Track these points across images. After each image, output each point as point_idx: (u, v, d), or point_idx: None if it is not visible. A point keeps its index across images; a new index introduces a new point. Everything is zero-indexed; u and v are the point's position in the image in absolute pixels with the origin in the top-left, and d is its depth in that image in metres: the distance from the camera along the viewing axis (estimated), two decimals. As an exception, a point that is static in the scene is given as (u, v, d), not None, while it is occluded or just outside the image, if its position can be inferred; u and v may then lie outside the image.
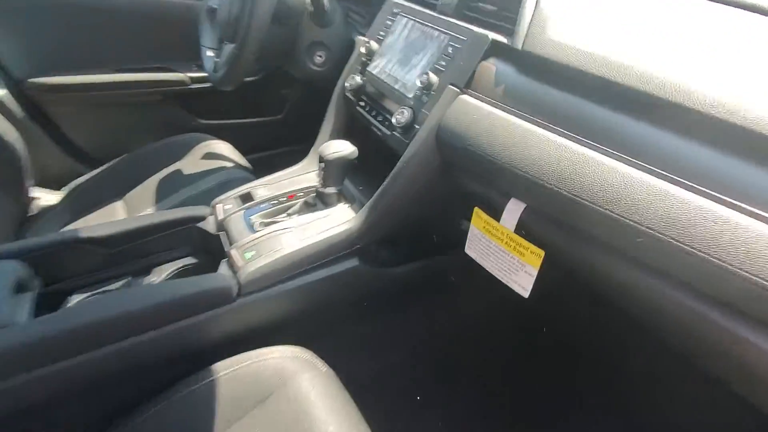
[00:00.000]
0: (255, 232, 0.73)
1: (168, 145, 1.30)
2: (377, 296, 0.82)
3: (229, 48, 0.95)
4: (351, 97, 0.85)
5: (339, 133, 0.91)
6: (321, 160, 0.74)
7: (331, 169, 0.75)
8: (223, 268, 0.70)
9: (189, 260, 0.81)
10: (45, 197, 1.27)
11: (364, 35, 0.89)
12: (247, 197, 0.82)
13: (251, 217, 0.77)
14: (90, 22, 1.24)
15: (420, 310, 0.92)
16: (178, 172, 1.21)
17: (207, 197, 1.04)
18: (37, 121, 1.26)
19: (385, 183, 0.70)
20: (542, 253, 0.55)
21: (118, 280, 0.77)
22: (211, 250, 0.79)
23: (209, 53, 1.07)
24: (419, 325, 0.94)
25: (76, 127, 1.34)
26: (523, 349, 1.02)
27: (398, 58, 0.75)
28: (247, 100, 1.56)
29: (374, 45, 0.81)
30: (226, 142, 1.33)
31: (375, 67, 0.80)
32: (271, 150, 1.64)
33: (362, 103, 0.82)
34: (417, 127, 0.67)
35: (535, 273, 0.56)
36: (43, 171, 1.29)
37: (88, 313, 0.56)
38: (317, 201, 0.79)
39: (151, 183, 1.18)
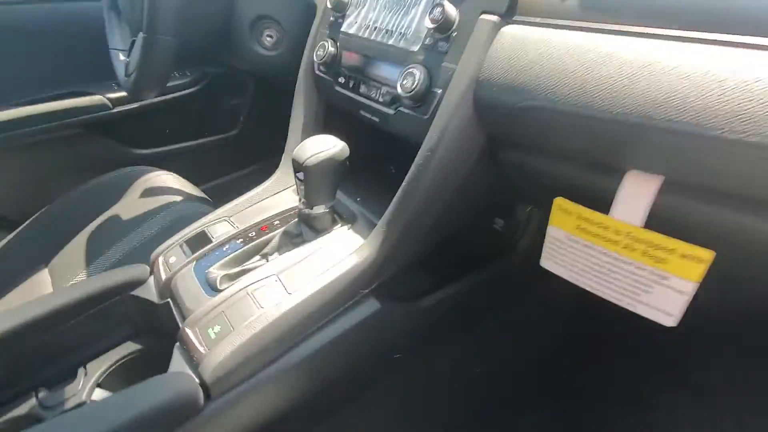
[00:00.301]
0: (217, 292, 0.48)
1: (97, 188, 1.03)
2: (408, 340, 0.58)
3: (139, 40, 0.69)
4: (323, 74, 0.61)
5: (315, 129, 0.66)
6: (297, 169, 0.50)
7: (315, 180, 0.50)
8: (177, 358, 0.45)
9: (129, 347, 0.55)
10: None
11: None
12: (199, 240, 0.56)
13: (209, 270, 0.51)
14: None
15: (461, 349, 0.69)
16: (114, 219, 0.94)
17: (151, 248, 0.80)
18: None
19: (404, 186, 0.46)
20: (709, 255, 0.32)
21: (26, 399, 0.50)
22: (158, 326, 0.53)
23: (121, 57, 0.81)
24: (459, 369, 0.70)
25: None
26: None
27: (383, 1, 0.52)
28: (190, 118, 1.29)
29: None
30: (170, 173, 1.07)
31: (351, 25, 0.56)
32: (230, 174, 1.38)
33: (341, 80, 0.57)
34: (437, 91, 0.44)
35: (691, 290, 0.34)
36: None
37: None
38: (302, 228, 0.55)
39: (81, 240, 0.91)
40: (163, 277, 0.53)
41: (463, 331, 0.64)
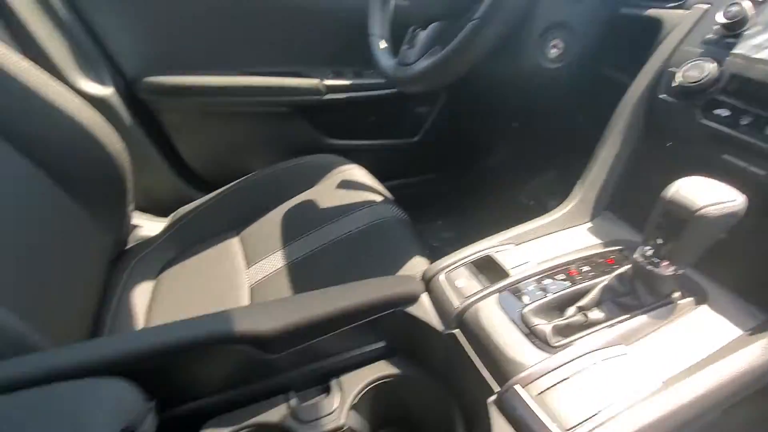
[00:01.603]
0: (550, 348, 0.37)
1: (295, 168, 1.01)
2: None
3: (423, 36, 0.63)
4: (675, 100, 0.48)
5: (628, 163, 0.54)
6: (677, 214, 0.37)
7: (700, 235, 0.38)
8: (501, 424, 0.34)
9: (383, 368, 0.46)
10: (147, 226, 1.01)
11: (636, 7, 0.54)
12: (488, 267, 0.47)
13: (524, 314, 0.41)
14: (219, 14, 1.00)
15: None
16: (310, 204, 0.91)
17: (356, 243, 0.74)
18: (146, 131, 1.02)
19: None
20: None
21: (274, 402, 0.43)
22: (425, 352, 0.44)
23: (382, 44, 0.77)
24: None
25: (188, 141, 1.09)
26: None
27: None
28: (381, 119, 1.26)
29: (747, 5, 0.44)
30: (362, 168, 1.03)
31: (758, 47, 0.43)
32: (403, 178, 1.33)
33: (724, 113, 0.44)
34: None
35: None
36: (146, 193, 1.04)
37: None
38: (635, 287, 0.42)
39: (275, 217, 0.89)
40: (453, 302, 0.44)
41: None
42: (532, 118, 1.18)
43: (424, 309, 0.46)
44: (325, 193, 0.91)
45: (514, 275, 0.45)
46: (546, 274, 0.45)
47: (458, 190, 1.42)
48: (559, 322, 0.39)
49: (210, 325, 0.40)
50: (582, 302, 0.43)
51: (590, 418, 0.32)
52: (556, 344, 0.37)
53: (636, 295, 0.42)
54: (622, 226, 0.51)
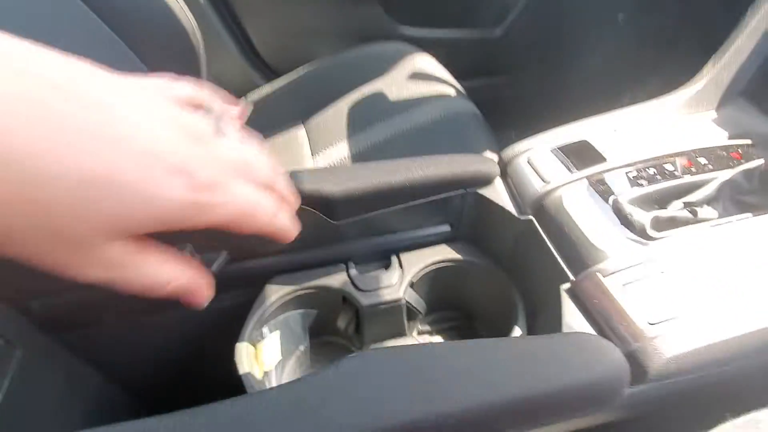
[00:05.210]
0: (646, 240, 0.32)
1: (364, 56, 0.95)
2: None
3: None
4: None
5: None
6: None
7: None
8: (572, 310, 0.32)
9: (445, 252, 0.44)
10: (215, 112, 1.03)
11: None
12: (581, 151, 0.40)
13: (619, 201, 0.35)
14: None
15: None
16: (379, 95, 0.85)
17: (425, 136, 0.71)
18: (218, 12, 0.99)
19: None
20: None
21: (335, 269, 0.44)
22: (490, 238, 0.41)
23: None
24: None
25: (258, 23, 1.05)
26: None
27: None
28: (457, 6, 1.12)
29: None
30: (435, 60, 0.94)
31: None
32: (477, 78, 1.20)
33: None
34: None
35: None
36: (216, 77, 1.04)
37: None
38: (759, 182, 0.35)
39: (341, 106, 0.85)
40: (535, 186, 0.39)
41: None
42: (644, 6, 0.98)
43: (498, 192, 0.42)
44: (394, 83, 0.85)
45: (612, 161, 0.38)
46: (651, 163, 0.38)
47: (539, 97, 1.27)
48: (660, 213, 0.34)
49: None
50: (691, 197, 0.36)
51: (680, 316, 0.28)
52: (653, 236, 0.32)
53: (765, 196, 0.35)
54: (758, 116, 0.41)
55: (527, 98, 1.26)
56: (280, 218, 0.20)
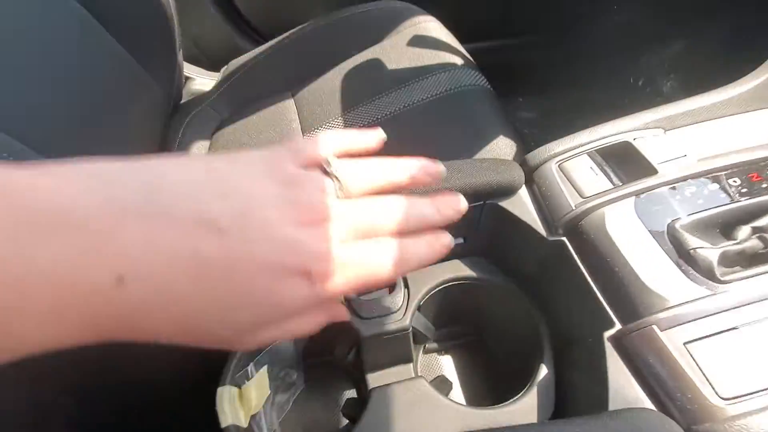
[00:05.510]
0: (713, 283, 0.26)
1: (358, 19, 0.84)
2: None
3: None
4: None
5: None
6: None
7: None
8: (619, 369, 0.26)
9: (457, 268, 0.38)
10: (199, 79, 0.93)
11: None
12: (623, 156, 0.33)
13: (677, 228, 0.29)
14: None
15: None
16: (376, 63, 0.76)
17: (430, 115, 0.63)
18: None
19: None
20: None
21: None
22: (510, 259, 0.35)
23: None
24: None
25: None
26: None
27: None
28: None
29: None
30: (438, 22, 0.84)
31: None
32: (483, 41, 1.09)
33: None
34: None
35: None
36: (195, 41, 0.93)
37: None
38: None
39: (334, 77, 0.77)
40: (569, 199, 0.32)
41: None
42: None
43: (523, 204, 0.35)
44: (394, 51, 0.76)
45: (664, 173, 0.31)
46: (711, 175, 0.31)
47: (549, 61, 1.16)
48: (730, 246, 0.27)
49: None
50: (761, 221, 0.30)
51: (762, 391, 0.22)
52: (724, 278, 0.26)
53: None
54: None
55: (536, 62, 1.15)
56: (408, 261, 0.22)
